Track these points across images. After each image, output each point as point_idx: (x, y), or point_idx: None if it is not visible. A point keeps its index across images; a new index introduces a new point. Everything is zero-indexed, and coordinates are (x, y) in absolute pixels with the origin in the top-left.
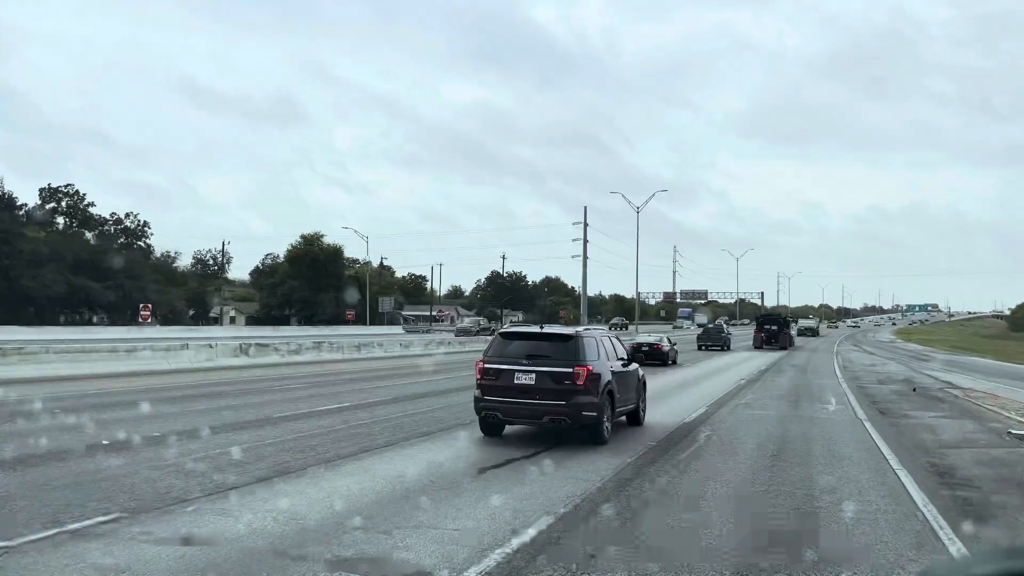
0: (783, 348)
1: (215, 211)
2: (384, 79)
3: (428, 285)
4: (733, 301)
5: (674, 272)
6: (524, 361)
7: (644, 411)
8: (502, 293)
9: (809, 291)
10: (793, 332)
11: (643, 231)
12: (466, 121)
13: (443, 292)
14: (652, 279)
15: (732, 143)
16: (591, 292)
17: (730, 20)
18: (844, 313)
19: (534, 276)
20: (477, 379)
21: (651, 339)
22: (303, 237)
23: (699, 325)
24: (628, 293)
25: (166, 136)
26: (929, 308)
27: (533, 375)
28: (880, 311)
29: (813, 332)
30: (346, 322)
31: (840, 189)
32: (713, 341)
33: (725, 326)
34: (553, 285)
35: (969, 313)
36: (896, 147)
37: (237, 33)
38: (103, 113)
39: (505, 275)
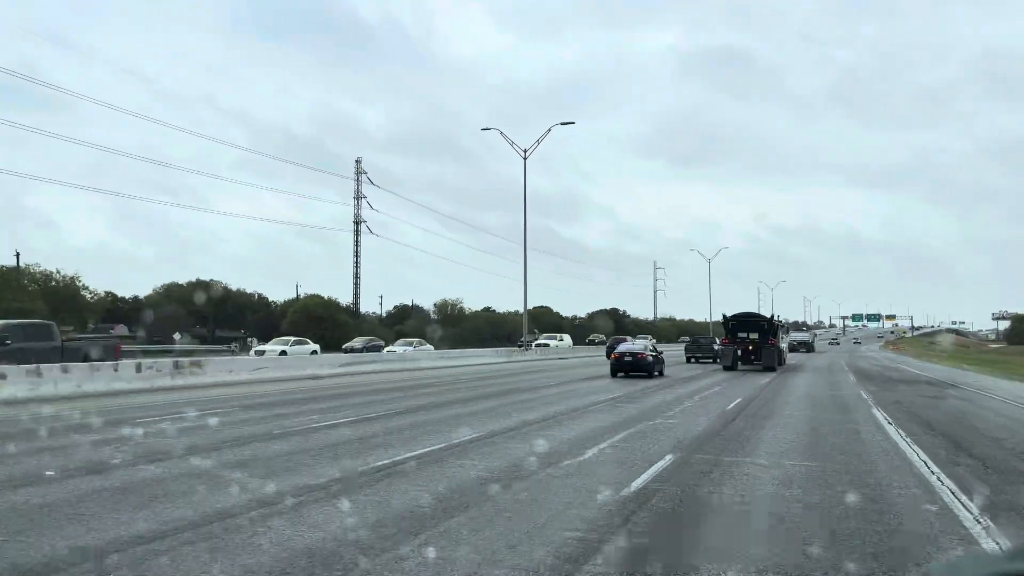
0: (770, 368)
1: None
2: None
3: None
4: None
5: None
6: None
7: None
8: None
9: (716, 305)
10: (784, 345)
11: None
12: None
13: None
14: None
15: (629, 163)
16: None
17: (626, 40)
18: None
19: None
20: None
21: (636, 347)
22: None
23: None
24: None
25: None
26: (884, 317)
27: None
28: (805, 327)
29: (808, 347)
30: None
31: (737, 208)
32: (703, 353)
33: (717, 338)
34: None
35: (906, 328)
36: (794, 168)
37: None
38: None
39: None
